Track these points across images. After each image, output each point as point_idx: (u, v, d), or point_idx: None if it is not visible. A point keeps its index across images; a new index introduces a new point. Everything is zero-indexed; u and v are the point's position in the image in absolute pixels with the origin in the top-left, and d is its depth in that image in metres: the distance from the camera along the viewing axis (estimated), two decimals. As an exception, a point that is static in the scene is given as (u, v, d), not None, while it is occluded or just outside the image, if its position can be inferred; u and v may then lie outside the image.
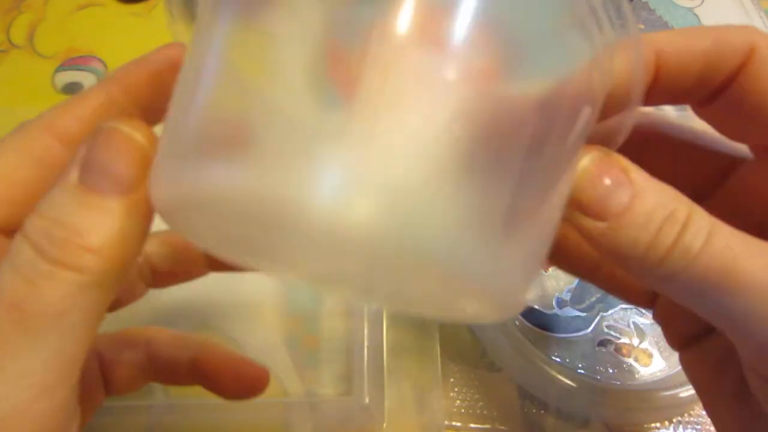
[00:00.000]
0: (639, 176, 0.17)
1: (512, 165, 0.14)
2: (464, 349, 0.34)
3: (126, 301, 0.25)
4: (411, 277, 0.16)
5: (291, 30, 0.14)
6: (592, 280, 0.24)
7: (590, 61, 0.16)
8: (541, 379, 0.32)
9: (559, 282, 0.36)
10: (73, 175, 0.15)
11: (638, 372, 0.33)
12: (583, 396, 0.32)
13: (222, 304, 0.35)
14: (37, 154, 0.18)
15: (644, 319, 0.35)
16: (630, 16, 0.15)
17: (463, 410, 0.33)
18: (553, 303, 0.35)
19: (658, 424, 0.32)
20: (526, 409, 0.33)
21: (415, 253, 0.13)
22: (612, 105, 0.17)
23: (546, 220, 0.16)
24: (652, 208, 0.17)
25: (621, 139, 0.18)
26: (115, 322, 0.23)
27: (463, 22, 0.13)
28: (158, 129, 0.16)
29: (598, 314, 0.35)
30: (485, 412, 0.33)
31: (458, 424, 0.32)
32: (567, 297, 0.35)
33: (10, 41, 0.45)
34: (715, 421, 0.22)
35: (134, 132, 0.16)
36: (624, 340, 0.34)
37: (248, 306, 0.35)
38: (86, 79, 0.44)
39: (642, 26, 0.48)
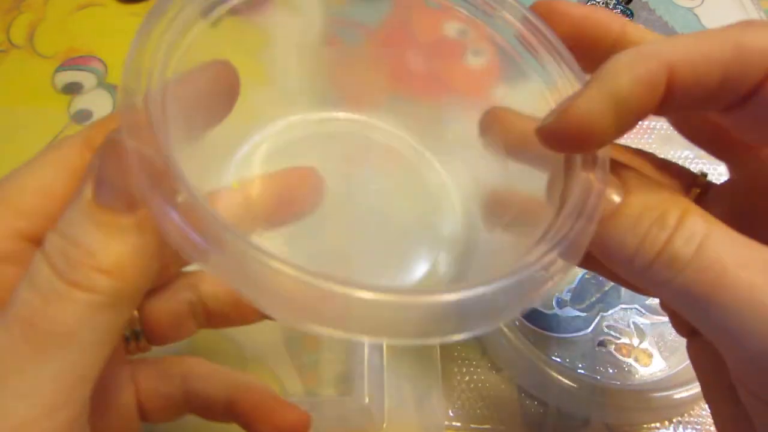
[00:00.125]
0: (630, 176, 0.17)
1: None
2: (464, 349, 0.34)
3: (173, 338, 0.24)
4: None
5: None
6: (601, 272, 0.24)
7: None
8: (541, 379, 0.32)
9: (559, 282, 0.36)
10: (88, 191, 0.15)
11: (638, 372, 0.33)
12: (583, 396, 0.32)
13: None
14: (73, 168, 0.19)
15: (644, 319, 0.35)
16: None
17: (463, 410, 0.33)
18: (553, 303, 0.35)
19: (658, 424, 0.32)
20: (526, 409, 0.33)
21: None
22: None
23: None
24: (639, 210, 0.16)
25: None
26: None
27: None
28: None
29: (598, 314, 0.35)
30: (485, 412, 0.33)
31: (458, 424, 0.32)
32: (567, 297, 0.35)
33: (10, 41, 0.45)
34: (714, 416, 0.21)
35: (143, 145, 0.15)
36: (624, 340, 0.34)
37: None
38: (86, 79, 0.44)
39: (642, 26, 0.48)
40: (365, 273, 0.23)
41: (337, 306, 0.14)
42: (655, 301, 0.35)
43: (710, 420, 0.32)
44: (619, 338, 0.34)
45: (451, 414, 0.32)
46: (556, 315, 0.35)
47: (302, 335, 0.34)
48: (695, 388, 0.31)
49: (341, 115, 0.26)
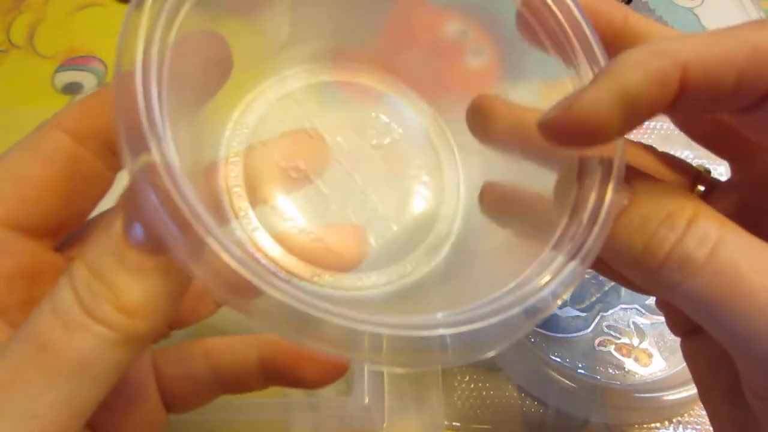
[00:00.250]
0: (636, 174, 0.17)
1: None
2: (464, 349, 0.34)
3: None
4: None
5: None
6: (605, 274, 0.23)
7: None
8: (541, 379, 0.32)
9: (559, 282, 0.36)
10: (118, 225, 0.15)
11: (638, 372, 0.33)
12: (583, 396, 0.32)
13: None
14: (47, 152, 0.18)
15: (644, 319, 0.35)
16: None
17: (463, 410, 0.33)
18: (553, 303, 0.35)
19: (658, 424, 0.32)
20: (526, 409, 0.33)
21: None
22: None
23: None
24: (646, 210, 0.16)
25: None
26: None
27: None
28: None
29: (598, 314, 0.35)
30: (485, 412, 0.33)
31: (458, 424, 0.32)
32: (567, 297, 0.35)
33: (10, 41, 0.45)
34: (712, 418, 0.21)
35: (163, 194, 0.14)
36: (624, 340, 0.34)
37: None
38: (86, 79, 0.44)
39: (645, 17, 0.48)
40: (365, 271, 0.23)
41: (368, 343, 0.16)
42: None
43: (710, 420, 0.32)
44: (619, 338, 0.34)
45: (451, 414, 0.32)
46: (556, 315, 0.35)
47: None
48: (695, 388, 0.31)
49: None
